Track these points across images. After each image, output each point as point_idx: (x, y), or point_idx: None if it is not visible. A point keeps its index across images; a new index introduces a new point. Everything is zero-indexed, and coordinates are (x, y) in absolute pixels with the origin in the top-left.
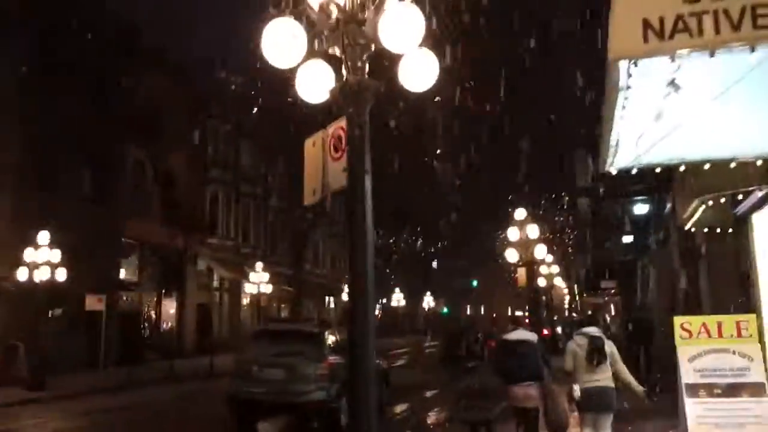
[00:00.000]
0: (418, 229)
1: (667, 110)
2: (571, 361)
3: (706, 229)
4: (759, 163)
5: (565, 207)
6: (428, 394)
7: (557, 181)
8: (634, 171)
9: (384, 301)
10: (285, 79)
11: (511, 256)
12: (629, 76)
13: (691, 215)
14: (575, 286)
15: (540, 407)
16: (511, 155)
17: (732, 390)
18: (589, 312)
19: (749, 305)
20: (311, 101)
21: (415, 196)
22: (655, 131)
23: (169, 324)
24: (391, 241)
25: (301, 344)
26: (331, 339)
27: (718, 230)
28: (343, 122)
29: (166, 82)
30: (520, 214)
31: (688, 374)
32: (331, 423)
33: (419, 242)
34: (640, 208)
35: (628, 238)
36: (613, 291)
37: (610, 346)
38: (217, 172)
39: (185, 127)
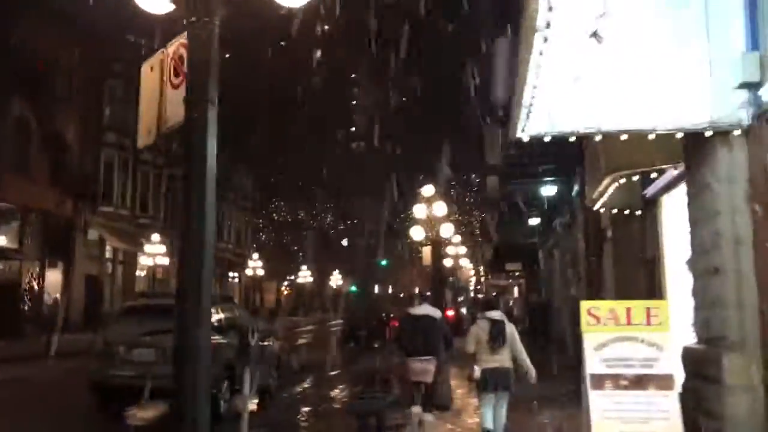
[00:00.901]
0: (328, 205)
1: (587, 72)
2: (473, 344)
3: (615, 211)
4: (679, 135)
5: (475, 188)
6: (325, 376)
7: (469, 160)
8: (547, 138)
9: (292, 277)
10: None
11: (417, 234)
12: (549, 8)
13: (601, 195)
14: (481, 268)
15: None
16: (421, 128)
17: (639, 382)
18: (494, 294)
19: (654, 291)
20: (151, 10)
21: (323, 171)
22: (573, 95)
23: (55, 296)
24: (299, 215)
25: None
26: (213, 316)
27: (627, 212)
28: (185, 37)
29: (61, 36)
30: (427, 190)
31: (593, 364)
32: (210, 409)
33: (329, 218)
34: (548, 190)
35: (535, 221)
36: (517, 273)
37: (511, 329)
38: (114, 136)
39: (80, 86)
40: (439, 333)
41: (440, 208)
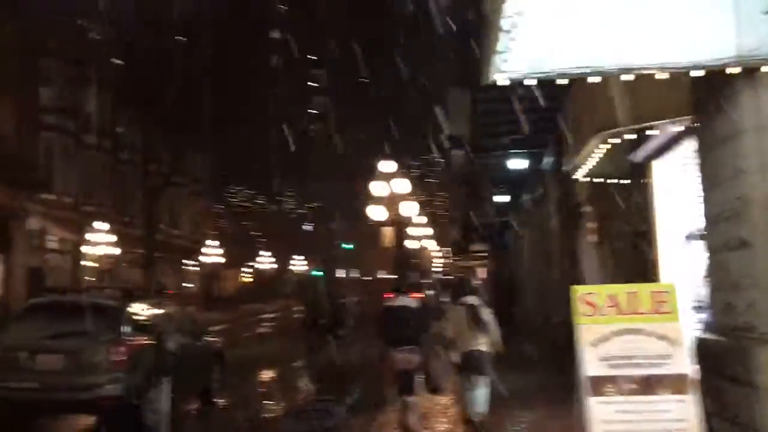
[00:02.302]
0: (288, 190)
1: None
2: (451, 328)
3: (595, 180)
4: (695, 74)
5: (440, 167)
6: (279, 372)
7: (430, 133)
8: (529, 82)
9: (253, 264)
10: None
11: (377, 213)
12: None
13: (583, 161)
14: (449, 249)
15: (420, 369)
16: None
17: (648, 384)
18: (458, 276)
19: (646, 271)
20: None
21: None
22: (565, 24)
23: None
24: (258, 200)
25: (89, 321)
26: (139, 313)
27: (611, 181)
28: None
29: None
30: (386, 166)
31: (591, 364)
32: (132, 425)
33: (290, 203)
34: (517, 164)
35: (503, 198)
36: (484, 254)
37: (487, 314)
38: (54, 118)
39: (12, 64)
40: (417, 322)
41: (401, 185)
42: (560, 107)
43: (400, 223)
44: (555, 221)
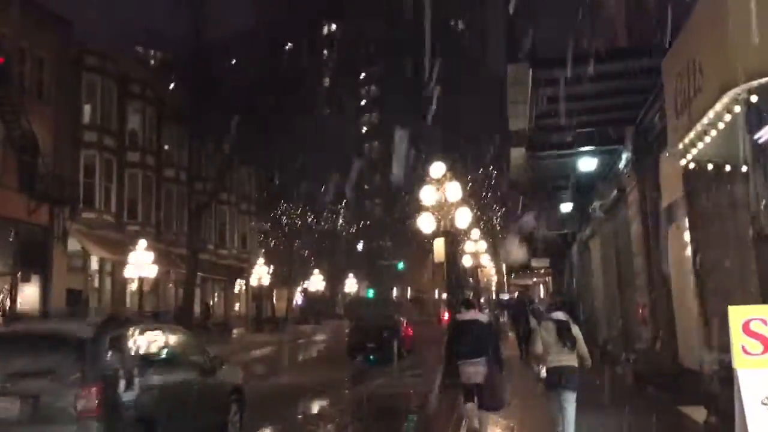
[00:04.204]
0: (340, 206)
1: None
2: (540, 344)
3: (702, 169)
4: None
5: (493, 180)
6: (316, 408)
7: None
8: None
9: (304, 285)
10: None
11: (426, 224)
12: None
13: (699, 138)
14: (504, 266)
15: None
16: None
17: None
18: (517, 294)
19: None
20: None
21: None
22: None
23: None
24: (309, 218)
25: (56, 357)
26: (126, 344)
27: (723, 169)
28: None
29: (27, 23)
30: (437, 170)
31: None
32: None
33: (340, 221)
34: (587, 164)
35: (567, 206)
36: (543, 271)
37: (576, 330)
38: (95, 135)
39: (52, 80)
40: (486, 336)
41: (454, 191)
42: (647, 85)
43: (450, 234)
44: (635, 229)
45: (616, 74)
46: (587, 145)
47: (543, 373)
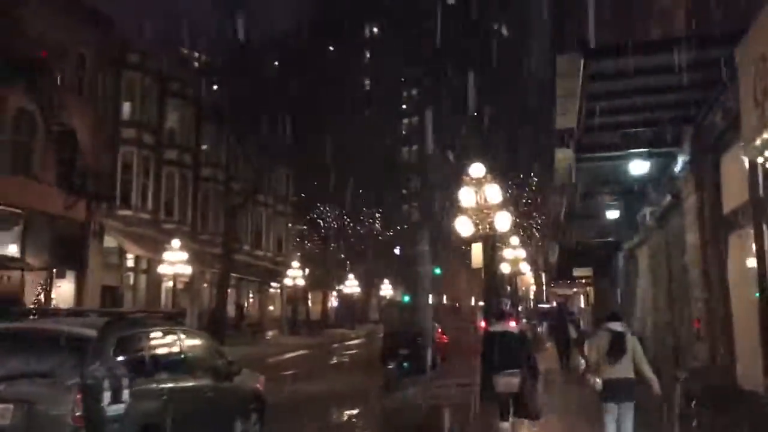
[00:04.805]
0: (378, 211)
1: None
2: (594, 354)
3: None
4: None
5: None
6: (344, 417)
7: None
8: None
9: (340, 287)
10: None
11: (464, 227)
12: None
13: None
14: (543, 274)
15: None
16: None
17: None
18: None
19: None
20: None
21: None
22: None
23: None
24: (346, 221)
25: (56, 359)
26: (132, 346)
27: None
28: None
29: (69, 18)
30: (476, 170)
31: None
32: None
33: (377, 224)
34: (638, 167)
35: (614, 213)
36: (584, 280)
37: (633, 341)
38: (133, 132)
39: (93, 76)
40: (519, 346)
41: (494, 192)
42: (711, 79)
43: (489, 238)
44: (692, 238)
45: (676, 67)
46: (640, 147)
47: (599, 385)
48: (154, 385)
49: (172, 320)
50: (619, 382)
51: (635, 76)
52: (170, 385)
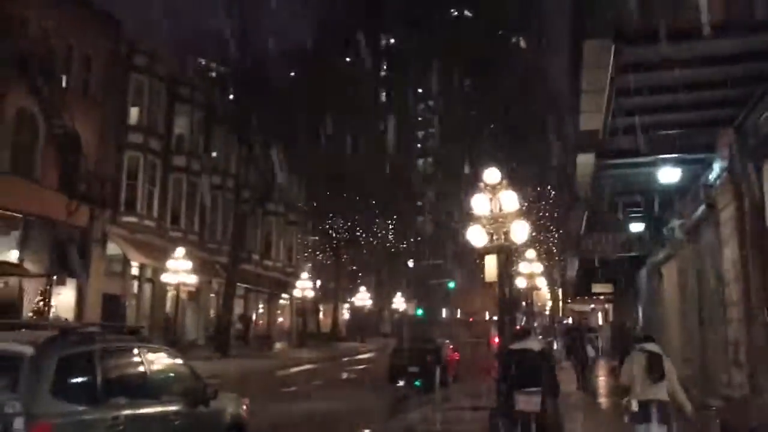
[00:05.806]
0: (391, 222)
1: None
2: (628, 375)
3: None
4: None
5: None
6: None
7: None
8: None
9: (351, 300)
10: None
11: (477, 237)
12: None
13: None
14: (560, 290)
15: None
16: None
17: None
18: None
19: None
20: None
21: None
22: None
23: (64, 318)
24: (358, 232)
25: None
26: (84, 365)
27: None
28: None
29: (74, 18)
30: (491, 175)
31: None
32: None
33: (390, 236)
34: (668, 174)
35: (638, 226)
36: (603, 297)
37: (668, 363)
38: (139, 137)
39: (99, 78)
40: (539, 364)
41: (510, 200)
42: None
43: (506, 250)
44: (730, 253)
45: (717, 58)
46: (670, 153)
47: (634, 405)
48: (107, 414)
49: (133, 335)
50: (653, 403)
51: (671, 69)
52: (128, 412)
